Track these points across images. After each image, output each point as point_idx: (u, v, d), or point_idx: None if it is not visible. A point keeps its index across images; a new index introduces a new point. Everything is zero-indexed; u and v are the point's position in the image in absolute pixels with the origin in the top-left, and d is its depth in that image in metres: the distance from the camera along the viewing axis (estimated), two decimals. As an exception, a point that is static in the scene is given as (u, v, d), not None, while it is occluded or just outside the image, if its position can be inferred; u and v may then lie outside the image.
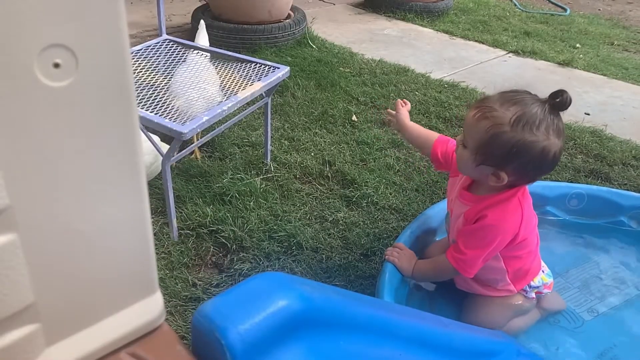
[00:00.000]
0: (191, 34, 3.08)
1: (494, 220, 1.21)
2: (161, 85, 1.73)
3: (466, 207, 1.28)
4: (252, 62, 1.86)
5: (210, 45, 2.13)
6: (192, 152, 2.02)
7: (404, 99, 1.58)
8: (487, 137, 1.15)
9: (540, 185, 1.73)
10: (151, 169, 1.76)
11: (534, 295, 1.37)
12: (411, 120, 1.54)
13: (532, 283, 1.35)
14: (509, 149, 1.13)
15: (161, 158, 1.54)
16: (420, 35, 3.79)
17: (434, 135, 1.47)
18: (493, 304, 1.35)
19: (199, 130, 1.48)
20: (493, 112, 1.15)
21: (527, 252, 1.31)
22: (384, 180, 1.96)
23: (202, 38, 2.20)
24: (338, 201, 1.85)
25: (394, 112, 1.54)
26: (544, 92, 1.18)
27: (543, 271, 1.38)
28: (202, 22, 2.30)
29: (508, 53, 3.54)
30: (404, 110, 1.53)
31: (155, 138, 1.67)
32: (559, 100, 1.13)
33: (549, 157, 1.14)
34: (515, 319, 1.36)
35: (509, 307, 1.35)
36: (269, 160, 2.03)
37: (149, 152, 1.68)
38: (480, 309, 1.35)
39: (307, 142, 2.19)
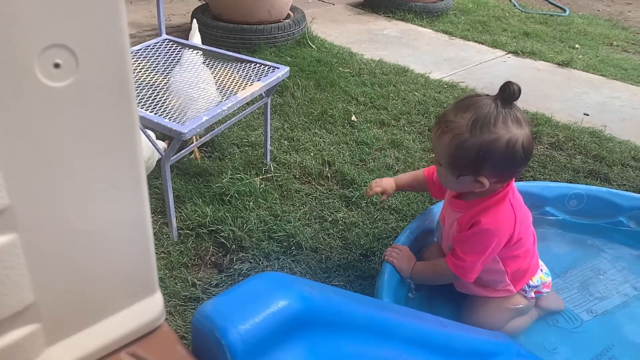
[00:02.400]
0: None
1: (488, 224, 1.22)
2: (161, 85, 1.73)
3: (458, 214, 1.29)
4: (251, 62, 1.86)
5: (209, 45, 2.12)
6: (192, 152, 2.02)
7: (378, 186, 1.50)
8: (453, 150, 1.17)
9: (539, 186, 1.73)
10: (147, 163, 1.76)
11: (533, 294, 1.37)
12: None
13: (530, 282, 1.36)
14: (476, 154, 1.15)
15: (157, 153, 1.54)
16: (419, 35, 3.79)
17: (420, 172, 1.49)
18: (492, 305, 1.35)
19: (198, 130, 1.48)
20: (450, 124, 1.17)
21: (525, 251, 1.32)
22: (384, 181, 1.96)
23: (196, 39, 2.20)
24: (337, 201, 1.85)
25: (379, 190, 1.49)
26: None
27: (541, 270, 1.39)
28: (194, 22, 2.29)
29: (507, 53, 3.54)
30: (386, 181, 1.50)
31: (151, 134, 1.67)
32: (507, 93, 1.14)
33: (517, 148, 1.15)
34: (514, 320, 1.36)
35: (508, 307, 1.36)
36: (268, 160, 2.03)
37: (145, 146, 1.69)
38: (479, 309, 1.35)
39: (307, 142, 2.19)
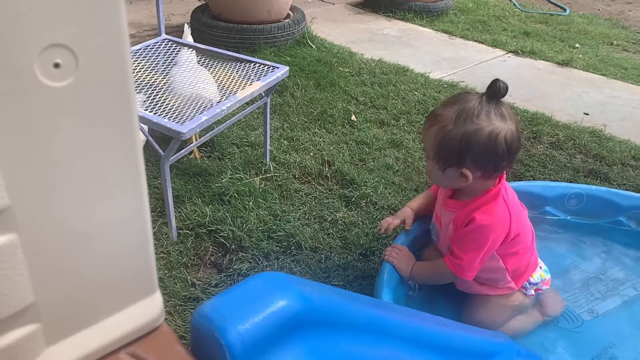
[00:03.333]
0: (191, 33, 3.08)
1: (483, 221, 1.23)
2: (160, 85, 1.73)
3: (453, 214, 1.31)
4: (251, 61, 1.86)
5: (209, 45, 2.12)
6: (191, 152, 2.02)
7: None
8: (439, 140, 1.21)
9: (539, 185, 1.73)
10: None
11: (533, 292, 1.38)
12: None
13: (531, 279, 1.36)
14: (459, 144, 1.18)
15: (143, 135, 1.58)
16: (419, 35, 3.79)
17: (428, 192, 1.53)
18: (493, 303, 1.35)
19: (198, 130, 1.48)
20: (438, 117, 1.22)
21: (524, 248, 1.33)
22: (383, 180, 1.96)
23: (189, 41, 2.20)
24: (337, 201, 1.85)
25: (397, 222, 1.48)
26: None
27: (540, 267, 1.40)
28: (185, 26, 2.29)
29: (507, 53, 3.54)
30: (403, 211, 1.50)
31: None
32: (493, 90, 1.18)
33: (499, 140, 1.17)
34: (515, 319, 1.36)
35: (508, 305, 1.36)
36: (268, 160, 2.02)
37: None
38: (480, 308, 1.35)
39: (306, 142, 2.19)
